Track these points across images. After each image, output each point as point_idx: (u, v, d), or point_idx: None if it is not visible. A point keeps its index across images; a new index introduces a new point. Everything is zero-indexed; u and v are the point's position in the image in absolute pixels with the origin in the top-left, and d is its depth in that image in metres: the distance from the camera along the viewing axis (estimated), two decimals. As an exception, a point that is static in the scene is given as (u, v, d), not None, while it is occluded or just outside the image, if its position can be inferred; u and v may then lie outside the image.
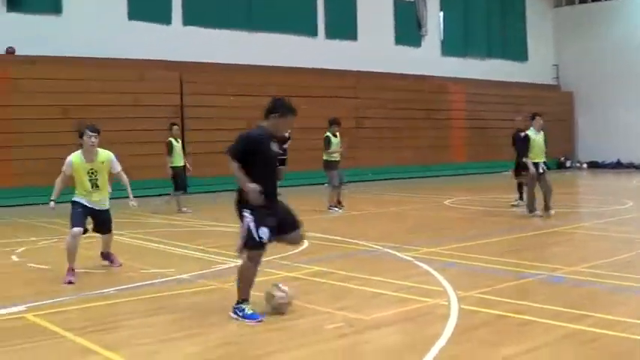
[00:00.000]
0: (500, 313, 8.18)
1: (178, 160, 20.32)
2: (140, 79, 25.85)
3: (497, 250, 13.05)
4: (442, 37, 37.41)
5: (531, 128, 16.89)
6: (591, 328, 7.45)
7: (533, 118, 17.03)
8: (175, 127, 20.73)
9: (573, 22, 42.08)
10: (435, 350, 6.79)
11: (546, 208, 16.68)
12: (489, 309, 8.34)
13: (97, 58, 25.05)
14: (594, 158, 40.88)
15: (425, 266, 10.99)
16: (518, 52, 40.98)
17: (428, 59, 36.13)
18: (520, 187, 19.12)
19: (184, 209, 20.15)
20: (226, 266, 11.54)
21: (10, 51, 23.93)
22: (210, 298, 9.38)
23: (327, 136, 19.71)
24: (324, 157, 19.68)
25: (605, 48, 40.07)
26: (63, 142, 23.43)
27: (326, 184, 20.05)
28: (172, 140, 20.36)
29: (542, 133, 16.97)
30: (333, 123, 19.83)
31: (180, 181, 20.37)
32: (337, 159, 19.66)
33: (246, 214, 8.06)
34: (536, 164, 16.57)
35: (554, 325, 7.61)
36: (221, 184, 25.68)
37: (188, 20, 27.86)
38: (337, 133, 19.63)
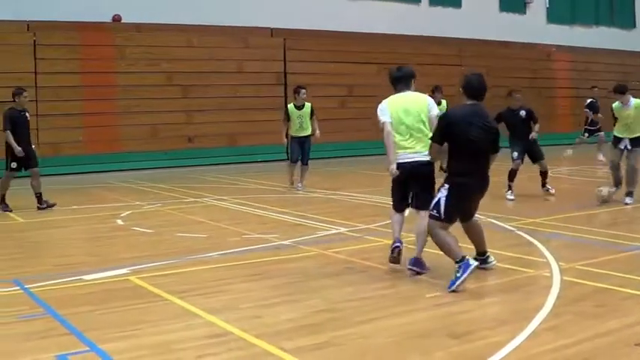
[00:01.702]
0: (604, 285, 7.98)
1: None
2: (244, 45, 26.01)
3: (601, 221, 12.78)
4: (548, 4, 36.59)
5: (617, 102, 15.52)
6: (699, 303, 7.23)
7: (622, 92, 15.51)
8: (303, 90, 17.72)
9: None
10: (536, 322, 6.68)
11: (625, 189, 14.71)
12: (592, 281, 8.16)
13: (201, 25, 25.30)
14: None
15: (527, 237, 10.82)
16: (626, 19, 39.78)
17: (533, 26, 35.40)
18: None
19: (298, 185, 17.71)
20: (328, 232, 11.59)
21: (117, 19, 24.33)
22: (311, 264, 9.41)
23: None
24: None
25: None
26: (167, 108, 23.94)
27: None
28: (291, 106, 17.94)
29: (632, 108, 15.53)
30: (435, 90, 19.54)
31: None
32: None
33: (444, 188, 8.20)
34: (619, 139, 15.44)
35: (659, 300, 7.41)
36: (320, 151, 25.87)
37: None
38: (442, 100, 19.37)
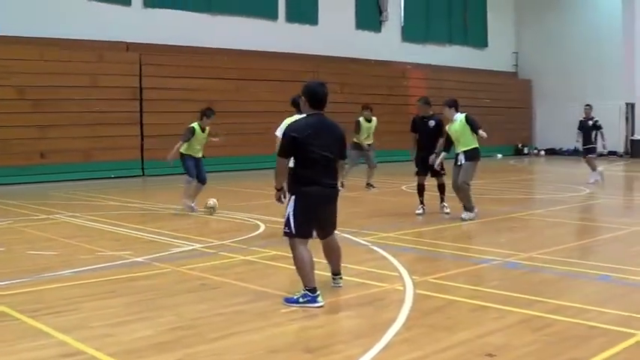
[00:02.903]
0: (455, 298, 8.23)
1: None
2: (99, 60, 25.57)
3: (453, 235, 13.14)
4: (403, 23, 37.44)
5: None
6: (545, 314, 7.51)
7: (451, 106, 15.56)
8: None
9: (534, 9, 42.22)
10: (389, 335, 6.81)
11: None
12: (444, 294, 8.39)
13: (54, 39, 24.71)
14: (552, 145, 41.20)
15: (381, 251, 11.01)
16: (478, 38, 41.12)
17: (388, 44, 36.16)
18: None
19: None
20: (183, 249, 11.51)
21: (-33, 31, 23.55)
22: (165, 281, 9.32)
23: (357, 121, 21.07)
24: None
25: (564, 37, 40.36)
26: (18, 123, 23.28)
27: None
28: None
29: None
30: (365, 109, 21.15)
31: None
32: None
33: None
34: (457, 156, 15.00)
35: (507, 311, 7.65)
36: (177, 167, 25.66)
37: (148, 2, 27.54)
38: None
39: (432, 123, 15.33)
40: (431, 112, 15.45)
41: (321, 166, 8.14)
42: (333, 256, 8.71)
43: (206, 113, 16.34)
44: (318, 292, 7.93)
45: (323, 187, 8.18)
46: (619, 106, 38.23)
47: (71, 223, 14.78)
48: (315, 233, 8.51)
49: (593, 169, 22.75)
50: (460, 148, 14.53)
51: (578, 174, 25.77)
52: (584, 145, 23.34)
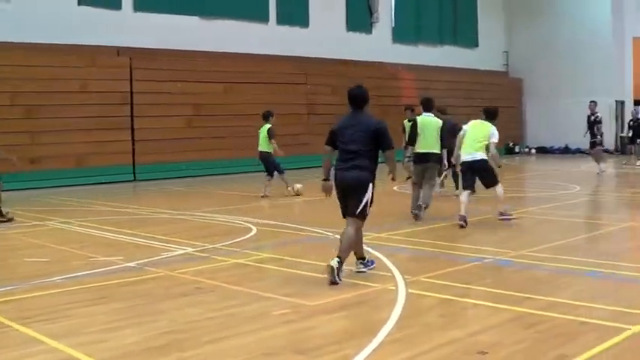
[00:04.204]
0: (447, 297, 8.25)
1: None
2: (90, 65, 25.51)
3: (445, 234, 13.13)
4: (394, 24, 37.44)
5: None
6: (536, 311, 7.53)
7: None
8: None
9: (524, 8, 42.28)
10: (381, 335, 6.82)
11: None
12: (436, 293, 8.40)
13: (45, 44, 24.64)
14: (542, 144, 41.28)
15: (373, 251, 10.99)
16: (469, 38, 41.17)
17: (379, 46, 36.16)
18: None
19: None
20: (175, 253, 11.49)
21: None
22: (158, 286, 9.30)
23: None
24: None
25: (555, 35, 40.44)
26: (11, 128, 23.17)
27: None
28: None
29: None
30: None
31: None
32: None
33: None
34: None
35: (500, 309, 7.68)
36: (168, 171, 25.75)
37: (139, 6, 27.48)
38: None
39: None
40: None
41: (345, 156, 9.45)
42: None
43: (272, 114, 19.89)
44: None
45: (341, 171, 9.45)
46: (609, 104, 38.29)
47: (63, 229, 14.74)
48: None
49: (597, 162, 24.69)
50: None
51: (569, 172, 25.86)
52: (590, 139, 25.45)
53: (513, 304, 7.82)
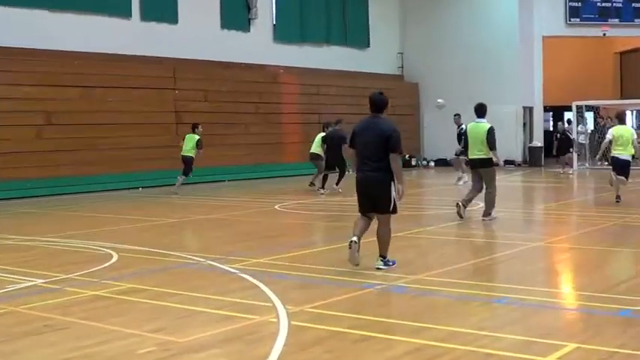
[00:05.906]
0: (336, 329, 8.25)
1: None
2: None
3: (332, 259, 13.10)
4: (275, 22, 37.42)
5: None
6: (435, 342, 7.60)
7: None
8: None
9: (420, 6, 42.81)
10: (261, 374, 6.78)
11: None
12: (323, 325, 8.40)
13: None
14: (442, 155, 41.45)
15: (251, 279, 10.96)
16: (359, 38, 41.37)
17: (259, 46, 36.05)
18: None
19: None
20: (22, 285, 11.22)
21: None
22: (2, 324, 9.03)
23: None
24: None
25: (455, 36, 41.10)
26: None
27: None
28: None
29: None
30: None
31: None
32: None
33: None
34: None
35: (395, 341, 7.75)
36: (14, 190, 25.11)
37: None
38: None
39: None
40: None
41: (362, 159, 11.64)
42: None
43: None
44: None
45: (361, 173, 11.70)
46: (515, 110, 39.16)
47: None
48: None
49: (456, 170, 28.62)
50: None
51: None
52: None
53: (409, 335, 7.90)
